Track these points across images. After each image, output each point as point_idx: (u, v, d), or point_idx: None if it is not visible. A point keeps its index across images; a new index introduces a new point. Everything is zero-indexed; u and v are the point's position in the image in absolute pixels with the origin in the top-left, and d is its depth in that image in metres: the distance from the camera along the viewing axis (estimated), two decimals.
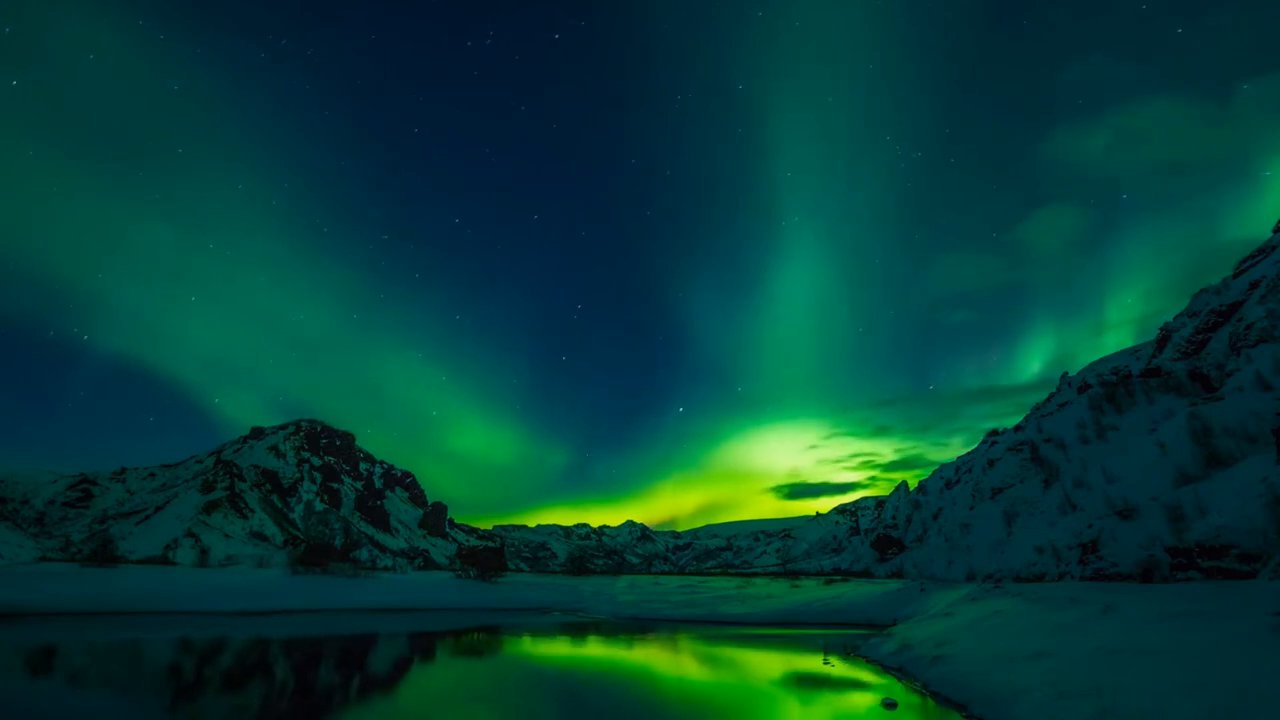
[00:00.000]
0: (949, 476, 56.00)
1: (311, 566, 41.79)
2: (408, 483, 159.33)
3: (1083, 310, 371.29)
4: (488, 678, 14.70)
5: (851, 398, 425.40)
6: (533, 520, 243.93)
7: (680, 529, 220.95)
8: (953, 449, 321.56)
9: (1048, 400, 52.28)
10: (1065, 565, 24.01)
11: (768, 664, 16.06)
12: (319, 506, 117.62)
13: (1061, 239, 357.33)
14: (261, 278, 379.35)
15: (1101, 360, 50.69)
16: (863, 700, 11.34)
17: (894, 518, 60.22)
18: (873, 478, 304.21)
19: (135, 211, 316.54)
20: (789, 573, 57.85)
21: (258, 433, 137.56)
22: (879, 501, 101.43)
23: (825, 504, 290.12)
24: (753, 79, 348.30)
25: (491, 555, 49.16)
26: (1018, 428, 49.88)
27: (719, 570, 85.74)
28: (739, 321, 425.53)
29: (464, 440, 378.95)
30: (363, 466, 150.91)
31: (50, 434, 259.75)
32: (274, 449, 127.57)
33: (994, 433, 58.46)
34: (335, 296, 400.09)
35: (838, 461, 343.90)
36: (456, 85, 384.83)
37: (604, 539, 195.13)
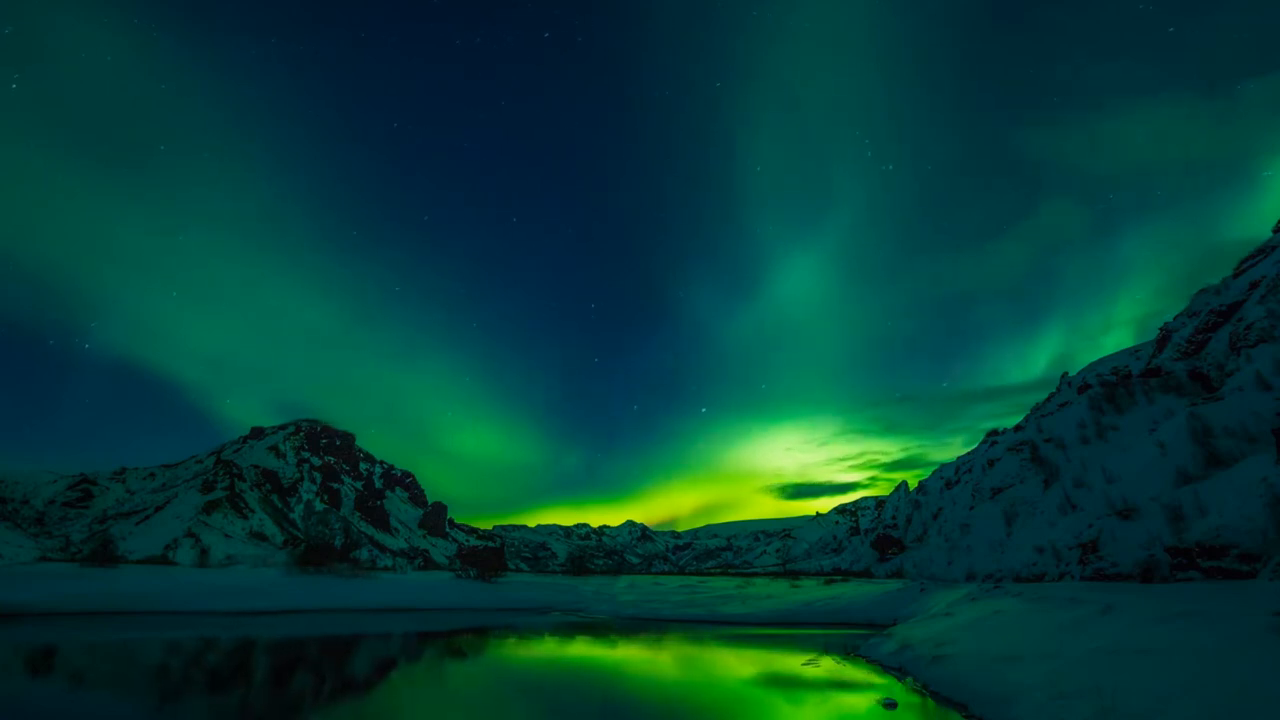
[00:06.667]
0: (949, 476, 55.97)
1: (313, 566, 41.80)
2: (408, 483, 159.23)
3: (1082, 310, 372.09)
4: (489, 678, 14.70)
5: (850, 399, 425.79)
6: (533, 520, 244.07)
7: (680, 529, 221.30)
8: (953, 449, 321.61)
9: (1048, 400, 52.26)
10: (1065, 565, 24.00)
11: (769, 664, 16.06)
12: (319, 506, 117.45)
13: (1061, 240, 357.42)
14: (262, 278, 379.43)
15: (1101, 360, 50.62)
16: (863, 700, 11.33)
17: (894, 518, 60.22)
18: (873, 478, 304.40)
19: (135, 211, 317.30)
20: (789, 573, 57.80)
21: (258, 433, 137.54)
22: (879, 501, 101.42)
23: (825, 504, 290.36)
24: (764, 79, 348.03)
25: (491, 555, 49.20)
26: (1018, 428, 49.86)
27: (719, 570, 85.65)
28: (734, 321, 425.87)
29: (464, 440, 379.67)
30: (363, 466, 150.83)
31: (50, 434, 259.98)
32: (274, 449, 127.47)
33: (994, 433, 58.42)
34: (336, 296, 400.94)
35: (835, 462, 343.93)
36: (458, 86, 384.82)
37: (604, 539, 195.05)
